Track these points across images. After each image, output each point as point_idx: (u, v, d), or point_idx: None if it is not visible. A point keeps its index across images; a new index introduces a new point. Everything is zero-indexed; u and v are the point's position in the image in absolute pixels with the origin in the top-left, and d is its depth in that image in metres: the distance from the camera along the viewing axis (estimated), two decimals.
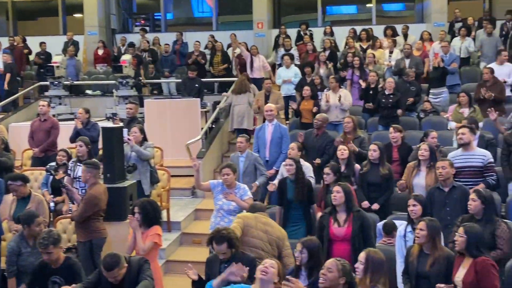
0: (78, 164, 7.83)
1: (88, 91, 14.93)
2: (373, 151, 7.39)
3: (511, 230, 5.75)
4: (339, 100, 10.08)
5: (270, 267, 4.60)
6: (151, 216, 6.00)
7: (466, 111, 9.31)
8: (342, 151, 7.59)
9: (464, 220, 5.65)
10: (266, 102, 10.58)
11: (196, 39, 15.43)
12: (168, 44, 15.76)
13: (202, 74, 13.79)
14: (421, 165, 7.15)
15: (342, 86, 11.10)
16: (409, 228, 5.91)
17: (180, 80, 13.54)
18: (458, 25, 14.53)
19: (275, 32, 16.05)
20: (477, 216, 5.68)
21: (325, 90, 10.77)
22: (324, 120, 8.90)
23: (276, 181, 7.83)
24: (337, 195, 5.96)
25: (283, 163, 7.63)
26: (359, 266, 4.73)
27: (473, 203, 5.70)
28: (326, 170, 6.98)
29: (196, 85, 12.40)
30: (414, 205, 5.93)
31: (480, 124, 8.73)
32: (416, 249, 5.32)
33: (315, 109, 10.04)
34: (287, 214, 7.12)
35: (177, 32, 16.62)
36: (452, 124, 9.24)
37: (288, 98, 11.74)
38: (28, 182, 7.28)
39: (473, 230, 5.04)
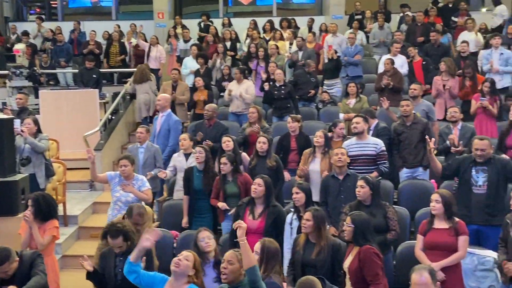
0: None
1: None
2: (262, 144, 7.44)
3: (398, 212, 6.03)
4: (241, 94, 10.17)
5: (184, 259, 4.51)
6: (45, 210, 5.81)
7: (352, 102, 9.59)
8: (227, 143, 7.53)
9: (351, 208, 5.83)
10: (172, 93, 10.55)
11: (95, 29, 15.05)
12: (61, 34, 15.21)
13: (97, 65, 13.48)
14: (316, 152, 7.32)
15: (249, 77, 11.16)
16: (295, 216, 6.03)
17: (77, 71, 13.18)
18: (357, 17, 14.94)
19: (172, 23, 15.90)
20: (366, 203, 5.87)
21: (228, 81, 10.84)
22: (214, 110, 8.91)
23: (168, 170, 7.76)
24: (258, 188, 5.96)
25: (193, 151, 7.48)
26: (255, 256, 4.77)
27: (362, 190, 5.87)
28: (223, 160, 6.98)
29: (94, 76, 12.12)
30: (297, 193, 6.03)
31: None
32: (302, 239, 5.41)
33: (202, 98, 10.08)
34: (194, 204, 7.07)
35: (75, 21, 16.13)
36: (341, 116, 9.49)
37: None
38: None
39: (360, 218, 5.16)
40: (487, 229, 5.97)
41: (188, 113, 11.25)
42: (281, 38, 13.32)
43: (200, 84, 10.61)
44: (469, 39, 11.90)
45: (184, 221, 7.08)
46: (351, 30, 13.50)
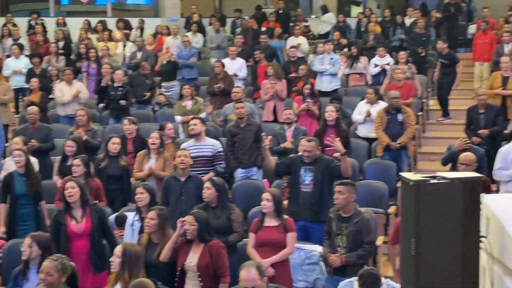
0: None
1: None
2: (117, 145, 7.39)
3: (242, 214, 6.17)
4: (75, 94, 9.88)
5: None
6: None
7: (189, 104, 9.73)
8: (70, 147, 7.37)
9: (200, 209, 5.82)
10: None
11: None
12: None
13: None
14: (151, 153, 7.35)
15: (77, 79, 10.86)
16: (137, 217, 6.00)
17: None
18: (195, 20, 15.07)
19: (2, 20, 15.06)
20: (212, 204, 5.95)
21: (57, 82, 10.45)
22: (35, 113, 8.60)
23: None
24: (72, 191, 5.74)
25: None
26: (116, 260, 4.72)
27: (208, 191, 5.94)
28: (77, 162, 6.77)
29: None
30: (141, 193, 6.01)
31: (204, 115, 9.20)
32: (145, 239, 5.40)
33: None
34: (16, 211, 6.74)
35: None
36: (178, 118, 9.58)
37: (18, 91, 11.16)
38: None
39: (202, 216, 5.29)
40: (314, 225, 6.27)
41: (17, 115, 10.74)
42: (111, 38, 13.09)
43: (35, 86, 10.13)
44: (296, 44, 12.45)
45: (1, 230, 6.72)
46: (188, 33, 13.60)
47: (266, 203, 5.56)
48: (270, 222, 5.59)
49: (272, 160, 6.69)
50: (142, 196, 6.00)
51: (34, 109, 8.70)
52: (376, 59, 11.49)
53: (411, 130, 8.51)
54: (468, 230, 3.17)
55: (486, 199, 3.44)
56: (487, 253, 3.46)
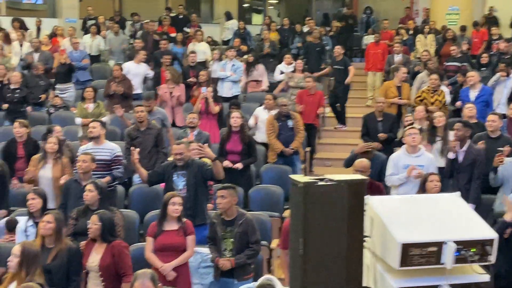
0: None
1: None
2: None
3: (124, 218, 6.16)
4: None
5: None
6: None
7: (91, 106, 9.55)
8: None
9: (79, 212, 5.88)
10: None
11: None
12: None
13: None
14: (48, 157, 7.15)
15: None
16: (30, 222, 5.88)
17: None
18: (90, 22, 14.79)
19: None
20: (93, 207, 5.89)
21: None
22: None
23: None
24: None
25: None
26: (14, 259, 4.64)
27: (90, 194, 5.89)
28: None
29: None
30: (33, 199, 5.92)
31: (106, 119, 9.08)
32: (38, 243, 5.27)
33: None
34: None
35: None
36: (78, 120, 9.38)
37: None
38: None
39: (106, 216, 5.28)
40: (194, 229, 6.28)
41: None
42: (7, 38, 12.61)
43: None
44: (198, 49, 12.51)
45: None
46: (88, 35, 13.33)
47: (179, 208, 5.55)
48: (170, 226, 5.59)
49: (144, 171, 6.65)
50: (34, 202, 5.91)
51: None
52: (282, 66, 11.75)
53: (301, 135, 8.77)
54: (352, 230, 3.33)
55: (371, 200, 3.62)
56: (370, 252, 3.64)
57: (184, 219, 5.66)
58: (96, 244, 5.25)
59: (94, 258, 5.20)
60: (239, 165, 7.78)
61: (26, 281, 4.49)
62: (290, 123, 8.67)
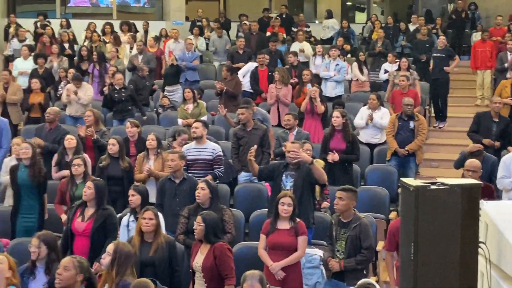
0: None
1: None
2: (112, 145, 7.43)
3: (235, 215, 6.25)
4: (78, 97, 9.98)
5: None
6: None
7: (190, 107, 9.78)
8: (70, 140, 7.53)
9: (190, 210, 6.01)
10: (3, 94, 10.12)
11: None
12: None
13: None
14: (149, 154, 7.46)
15: (84, 80, 10.92)
16: (132, 218, 6.08)
17: None
18: (199, 24, 15.14)
19: (6, 21, 15.15)
20: (204, 205, 6.01)
21: (62, 83, 10.53)
22: (56, 114, 8.68)
23: (5, 178, 7.42)
24: (88, 190, 5.88)
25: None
26: (107, 257, 4.78)
27: (202, 192, 6.02)
28: (77, 161, 6.83)
29: None
30: (132, 195, 6.10)
31: (205, 118, 9.27)
32: (137, 238, 5.47)
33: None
34: (19, 202, 6.82)
35: None
36: (180, 121, 9.62)
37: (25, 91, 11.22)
38: None
39: (209, 217, 5.34)
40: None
41: (24, 115, 10.81)
42: (117, 41, 13.15)
43: (37, 87, 10.20)
44: (300, 49, 12.53)
45: None
46: (191, 37, 13.65)
47: (288, 208, 5.56)
48: (283, 225, 5.59)
49: (256, 165, 6.69)
50: (133, 198, 6.10)
51: (54, 109, 8.80)
52: (386, 65, 11.58)
53: (421, 138, 8.59)
54: (466, 235, 3.23)
55: (485, 205, 3.50)
56: (485, 258, 3.52)
57: (298, 219, 5.64)
58: (202, 245, 5.35)
59: (199, 259, 5.30)
60: (335, 157, 7.70)
61: (116, 281, 4.63)
62: (411, 124, 8.55)
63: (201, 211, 5.70)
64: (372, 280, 4.41)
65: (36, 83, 10.24)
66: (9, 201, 7.25)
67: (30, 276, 5.08)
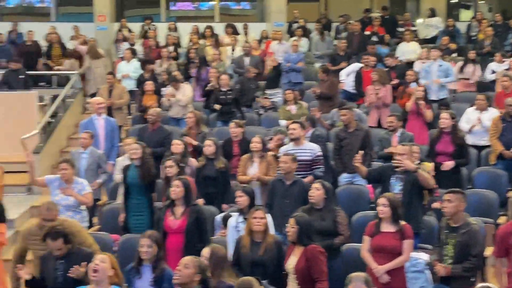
0: None
1: None
2: (208, 146, 7.55)
3: (347, 217, 6.20)
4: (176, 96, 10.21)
5: (100, 263, 4.66)
6: None
7: (293, 108, 9.78)
8: (176, 145, 7.65)
9: (304, 212, 5.93)
10: (109, 97, 10.48)
11: (33, 30, 14.74)
12: (2, 33, 14.90)
13: (33, 65, 13.24)
14: (254, 157, 7.47)
15: (188, 82, 11.18)
16: (240, 219, 6.15)
17: None
18: (296, 25, 15.17)
19: (118, 25, 15.78)
20: (318, 206, 6.01)
21: (167, 86, 10.86)
22: (158, 115, 8.93)
23: (118, 176, 7.71)
24: (176, 189, 6.04)
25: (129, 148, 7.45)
26: (204, 261, 4.85)
27: (316, 192, 6.02)
28: (169, 163, 7.01)
29: (21, 77, 11.85)
30: (240, 196, 6.19)
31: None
32: (247, 238, 5.54)
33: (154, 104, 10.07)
34: (128, 202, 7.02)
35: (13, 21, 15.80)
36: (282, 122, 9.66)
37: (131, 93, 11.64)
38: None
39: (303, 219, 5.35)
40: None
41: (129, 116, 11.21)
42: (218, 43, 13.37)
43: (150, 89, 10.54)
44: (407, 49, 12.27)
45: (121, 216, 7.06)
46: (295, 38, 13.67)
47: (383, 209, 5.48)
48: (387, 227, 5.50)
49: (364, 168, 6.64)
50: (241, 199, 6.18)
51: (156, 110, 9.06)
52: (493, 65, 11.15)
53: None
54: None
55: None
56: None
57: (403, 222, 5.54)
58: (295, 247, 5.35)
59: (292, 260, 5.30)
60: (449, 163, 7.52)
61: (214, 283, 4.73)
62: None
63: (315, 213, 5.70)
64: (492, 285, 4.26)
65: (150, 85, 10.53)
66: (121, 198, 7.51)
67: (136, 275, 5.23)
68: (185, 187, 6.06)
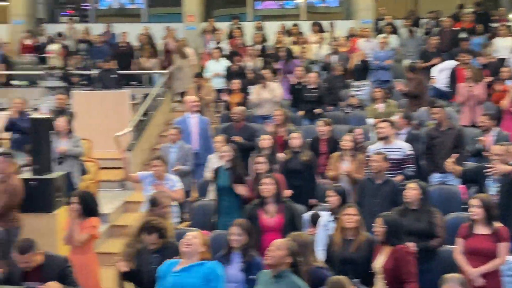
0: None
1: (14, 82, 14.54)
2: (294, 139, 7.56)
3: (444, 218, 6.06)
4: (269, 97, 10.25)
5: (193, 239, 4.75)
6: (89, 207, 5.94)
7: (381, 106, 9.64)
8: (264, 141, 7.68)
9: (398, 212, 5.87)
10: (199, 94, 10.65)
11: (125, 31, 15.26)
12: (100, 35, 15.52)
13: (126, 66, 13.67)
14: (345, 155, 7.41)
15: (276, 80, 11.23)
16: (331, 218, 6.11)
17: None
18: (382, 22, 14.96)
19: (206, 25, 16.07)
20: (413, 206, 5.91)
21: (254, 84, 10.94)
22: (242, 113, 8.99)
23: (208, 174, 7.83)
24: (269, 186, 6.05)
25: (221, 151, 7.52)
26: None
27: (412, 192, 5.92)
28: (260, 159, 7.02)
29: (113, 76, 12.25)
30: (331, 196, 6.16)
31: (397, 117, 9.09)
32: (339, 236, 5.51)
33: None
34: (219, 204, 7.05)
35: (106, 23, 16.38)
36: (371, 121, 9.54)
37: (218, 91, 11.81)
38: None
39: (391, 219, 5.29)
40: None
41: (218, 115, 11.37)
42: (305, 41, 13.36)
43: (236, 87, 10.65)
44: (503, 45, 11.85)
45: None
46: (384, 35, 13.48)
47: (476, 210, 5.34)
48: (481, 229, 5.36)
49: (459, 168, 6.47)
50: (332, 199, 6.16)
51: (240, 108, 9.15)
52: None
53: None
54: None
55: None
56: None
57: (499, 224, 5.37)
58: (383, 247, 5.28)
59: (380, 260, 5.24)
60: None
61: (306, 269, 4.74)
62: None
63: (410, 214, 5.61)
64: None
65: (236, 84, 10.66)
66: (210, 195, 7.64)
67: (226, 262, 5.28)
68: (276, 184, 6.08)
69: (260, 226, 5.94)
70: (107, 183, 9.89)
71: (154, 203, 6.02)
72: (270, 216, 6.03)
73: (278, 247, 4.64)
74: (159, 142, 11.70)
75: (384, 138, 7.37)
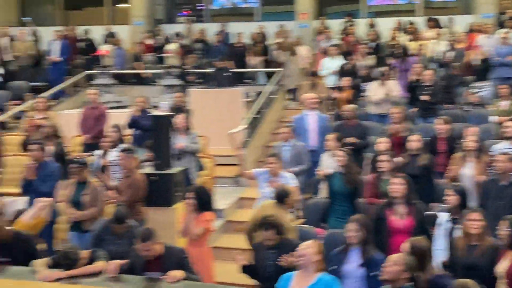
0: (111, 149, 8.09)
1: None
2: (413, 142, 7.36)
3: None
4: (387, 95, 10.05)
5: (306, 249, 4.74)
6: (204, 202, 6.12)
7: (504, 104, 9.20)
8: (380, 144, 7.54)
9: None
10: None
11: (239, 30, 15.50)
12: (215, 34, 15.88)
13: (242, 65, 13.85)
14: (467, 156, 7.14)
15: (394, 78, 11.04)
16: (449, 218, 5.93)
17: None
18: (505, 16, 14.28)
19: (319, 23, 16.05)
20: None
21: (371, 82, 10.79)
22: (352, 111, 8.86)
23: (321, 172, 7.80)
24: (399, 186, 5.92)
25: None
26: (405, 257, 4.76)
27: None
28: (384, 157, 6.91)
29: (226, 74, 12.44)
30: (449, 195, 5.96)
31: None
32: (463, 240, 5.33)
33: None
34: (331, 207, 6.95)
35: (220, 22, 16.72)
36: (494, 119, 9.13)
37: (333, 89, 11.77)
38: (87, 167, 7.24)
39: None
40: None
41: (331, 113, 11.33)
42: (420, 37, 13.02)
43: (347, 84, 10.56)
44: None
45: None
46: (505, 30, 12.88)
47: None
48: None
49: None
50: (451, 198, 5.96)
51: (350, 106, 9.07)
52: None
53: None
54: None
55: None
56: None
57: None
58: (508, 251, 5.06)
59: (503, 265, 5.03)
60: None
61: (426, 276, 4.62)
62: None
63: None
64: None
65: (346, 81, 10.58)
66: (321, 193, 7.61)
67: (344, 259, 5.25)
68: (407, 184, 5.93)
69: (389, 227, 5.80)
70: (221, 179, 10.09)
71: (282, 196, 6.06)
72: (399, 218, 5.88)
73: (395, 262, 4.54)
74: (272, 140, 11.82)
75: (510, 138, 7.05)
